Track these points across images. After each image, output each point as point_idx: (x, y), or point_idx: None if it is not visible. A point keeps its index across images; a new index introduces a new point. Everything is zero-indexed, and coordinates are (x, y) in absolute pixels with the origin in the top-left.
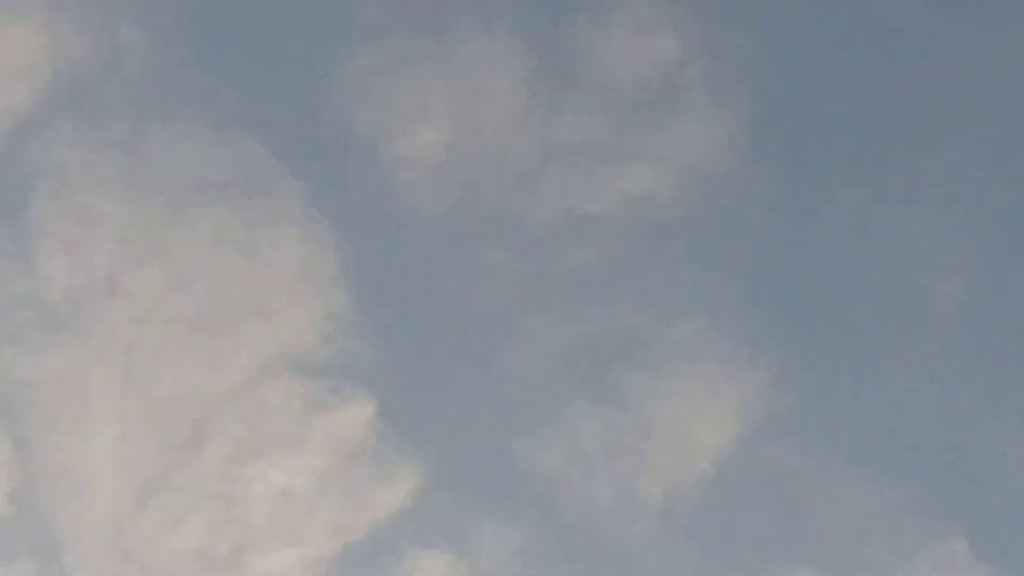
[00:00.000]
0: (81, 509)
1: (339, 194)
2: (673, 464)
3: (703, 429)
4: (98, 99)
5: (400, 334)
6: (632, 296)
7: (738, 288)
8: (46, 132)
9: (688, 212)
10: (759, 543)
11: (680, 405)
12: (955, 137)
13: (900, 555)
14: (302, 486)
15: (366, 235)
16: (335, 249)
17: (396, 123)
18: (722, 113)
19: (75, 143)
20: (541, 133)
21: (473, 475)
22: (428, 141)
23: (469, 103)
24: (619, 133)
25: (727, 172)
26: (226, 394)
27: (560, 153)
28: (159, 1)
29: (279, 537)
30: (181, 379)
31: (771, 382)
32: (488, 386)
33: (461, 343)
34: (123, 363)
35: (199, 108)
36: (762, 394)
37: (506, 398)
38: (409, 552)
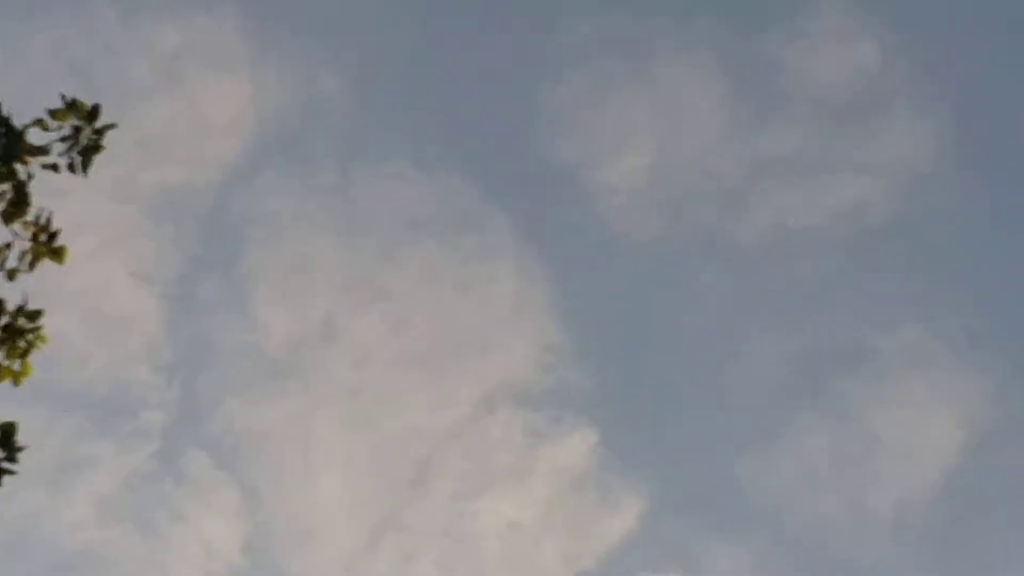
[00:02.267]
0: (313, 554)
1: (547, 225)
2: (901, 474)
3: (930, 437)
4: (304, 146)
5: (617, 360)
6: (849, 307)
7: (956, 293)
8: (255, 182)
9: (899, 219)
10: (996, 548)
11: (905, 414)
12: None
13: None
14: (529, 518)
15: (577, 264)
16: (547, 280)
17: (599, 150)
18: (927, 117)
19: (284, 191)
20: (745, 149)
21: (699, 496)
22: (632, 166)
23: (670, 125)
24: (824, 144)
25: (936, 177)
26: (449, 430)
27: (765, 168)
28: (356, 46)
29: (509, 570)
30: (403, 418)
31: (997, 386)
32: (708, 406)
33: (678, 365)
34: (345, 406)
35: (404, 148)
36: (988, 399)
37: (728, 417)
38: None
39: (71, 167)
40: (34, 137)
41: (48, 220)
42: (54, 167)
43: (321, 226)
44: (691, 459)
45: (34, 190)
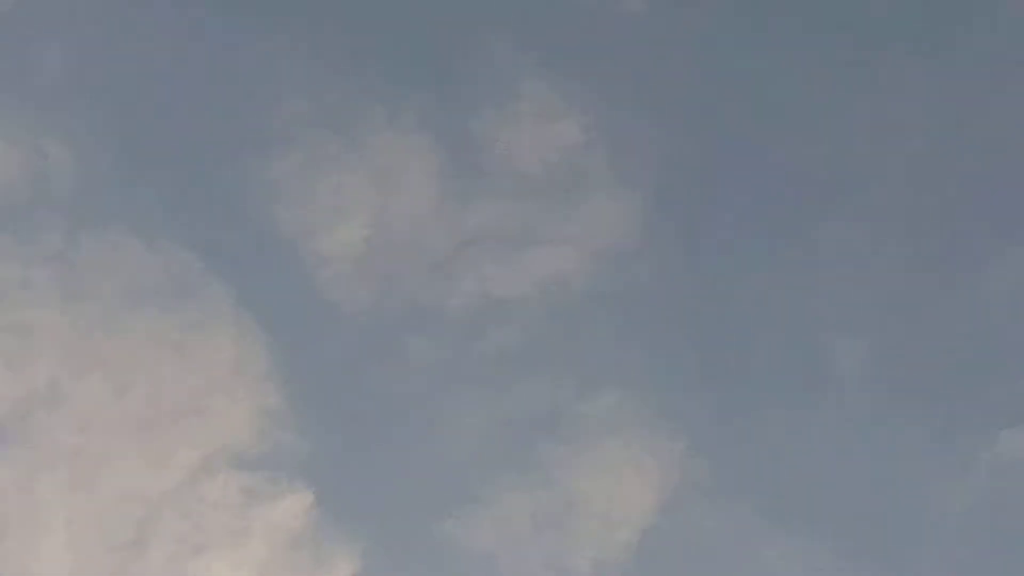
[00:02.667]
0: None
1: (265, 293)
2: (598, 534)
3: (625, 498)
4: (29, 215)
5: (331, 424)
6: (550, 374)
7: (650, 361)
8: None
9: (600, 290)
10: None
11: (601, 476)
12: (850, 203)
13: None
14: None
15: (293, 332)
16: (264, 347)
17: (315, 222)
18: (627, 193)
19: (8, 258)
20: (454, 222)
21: (409, 557)
22: (347, 238)
23: (383, 198)
24: (529, 218)
25: (635, 250)
26: (168, 493)
27: (473, 240)
28: (83, 118)
29: None
30: (124, 481)
31: (687, 450)
32: (419, 469)
33: (390, 429)
34: (68, 470)
35: (127, 219)
36: (679, 462)
37: (436, 479)
38: None
39: None
40: None
41: None
42: None
43: (45, 294)
44: (402, 521)
45: None
